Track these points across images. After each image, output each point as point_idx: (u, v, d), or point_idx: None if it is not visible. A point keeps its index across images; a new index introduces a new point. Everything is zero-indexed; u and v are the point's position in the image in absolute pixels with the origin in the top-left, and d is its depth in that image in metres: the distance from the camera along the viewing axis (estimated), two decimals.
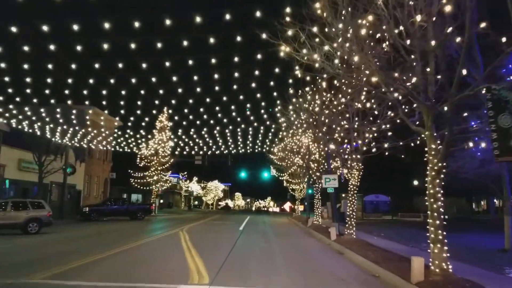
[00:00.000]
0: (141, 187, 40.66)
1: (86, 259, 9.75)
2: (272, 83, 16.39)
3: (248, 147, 37.50)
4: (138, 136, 40.59)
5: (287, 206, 67.47)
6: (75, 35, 12.39)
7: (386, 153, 14.48)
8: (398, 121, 12.22)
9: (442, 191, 7.98)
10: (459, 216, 38.55)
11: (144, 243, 14.32)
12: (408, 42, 7.83)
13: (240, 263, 10.03)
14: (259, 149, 36.81)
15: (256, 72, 14.67)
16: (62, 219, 27.03)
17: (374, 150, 15.27)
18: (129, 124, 39.31)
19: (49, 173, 28.05)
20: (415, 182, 52.50)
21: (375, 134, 14.60)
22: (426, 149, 8.19)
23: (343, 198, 40.19)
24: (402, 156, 15.28)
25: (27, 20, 12.48)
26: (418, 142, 11.94)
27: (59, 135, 29.19)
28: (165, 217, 38.08)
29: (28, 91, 18.57)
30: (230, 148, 37.57)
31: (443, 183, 8.06)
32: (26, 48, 13.08)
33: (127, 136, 40.48)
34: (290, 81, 15.30)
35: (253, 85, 16.04)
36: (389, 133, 14.01)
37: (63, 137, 32.17)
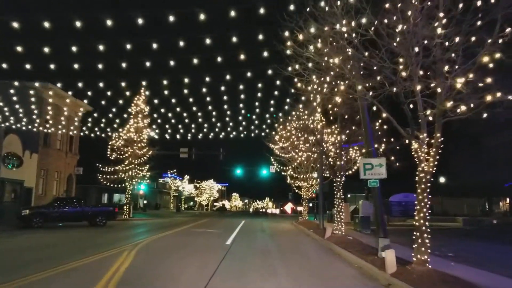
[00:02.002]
0: (112, 185, 33.23)
1: None
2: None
3: (243, 135, 30.42)
4: (110, 123, 33.53)
5: (288, 207, 60.07)
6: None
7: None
8: None
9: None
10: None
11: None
12: None
13: None
14: (257, 137, 29.79)
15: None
16: None
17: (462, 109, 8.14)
18: (100, 109, 32.55)
19: None
20: (442, 180, 45.34)
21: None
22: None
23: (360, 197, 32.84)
24: None
25: None
26: None
27: None
28: (140, 221, 30.70)
29: None
30: (221, 135, 30.36)
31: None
32: None
33: (97, 123, 33.46)
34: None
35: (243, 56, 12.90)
36: None
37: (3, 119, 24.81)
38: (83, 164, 37.63)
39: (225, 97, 24.52)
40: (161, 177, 68.68)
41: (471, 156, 40.75)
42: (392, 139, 16.27)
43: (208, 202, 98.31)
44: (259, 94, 18.06)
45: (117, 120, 33.32)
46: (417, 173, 9.28)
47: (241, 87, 19.39)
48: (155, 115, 33.74)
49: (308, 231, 21.18)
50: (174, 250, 12.31)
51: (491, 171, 39.20)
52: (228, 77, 15.95)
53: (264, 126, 26.66)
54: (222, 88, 19.61)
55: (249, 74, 14.89)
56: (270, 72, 13.61)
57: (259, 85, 16.46)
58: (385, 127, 15.64)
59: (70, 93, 32.64)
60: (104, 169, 32.26)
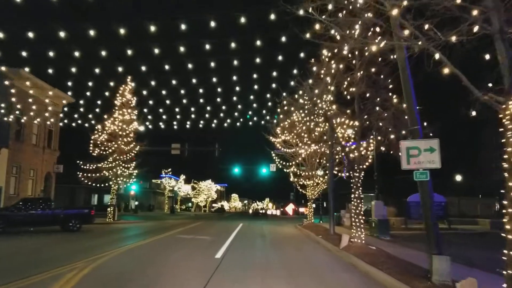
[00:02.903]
0: (100, 185, 29.77)
1: None
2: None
3: (240, 126, 27.27)
4: (95, 116, 30.21)
5: (290, 208, 56.57)
6: None
7: None
8: None
9: None
10: None
11: None
12: None
13: None
14: (256, 128, 26.67)
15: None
16: None
17: None
18: (83, 100, 29.38)
19: None
20: (458, 178, 41.92)
21: None
22: None
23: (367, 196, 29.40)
24: None
25: None
26: None
27: None
28: (124, 225, 27.29)
29: None
30: (216, 124, 27.18)
31: None
32: None
33: (81, 115, 30.15)
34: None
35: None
36: None
37: None
38: (66, 161, 34.21)
39: (218, 90, 21.53)
40: (156, 177, 65.20)
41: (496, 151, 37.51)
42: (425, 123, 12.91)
43: (206, 203, 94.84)
44: (258, 63, 14.71)
45: (102, 113, 30.09)
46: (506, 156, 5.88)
47: (235, 62, 16.07)
48: (145, 110, 30.70)
49: (317, 238, 17.75)
50: (137, 273, 8.86)
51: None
52: (223, 50, 12.95)
53: (264, 112, 23.39)
54: (212, 65, 16.40)
55: (244, 20, 11.54)
56: (273, 17, 10.16)
57: (258, 42, 13.09)
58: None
59: (43, 81, 29.50)
60: (85, 167, 28.80)
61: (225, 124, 28.77)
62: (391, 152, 13.40)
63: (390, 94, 12.93)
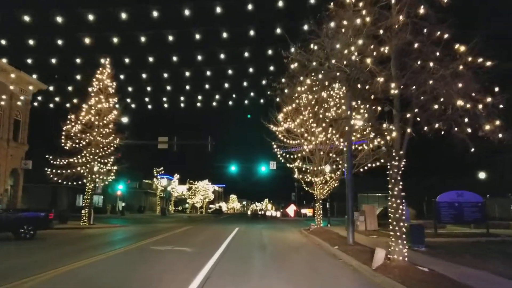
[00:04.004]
0: (67, 183, 25.63)
1: None
2: None
3: (235, 112, 23.25)
4: (70, 104, 26.33)
5: (291, 209, 52.43)
6: None
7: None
8: None
9: None
10: None
11: None
12: None
13: None
14: (254, 114, 22.82)
15: None
16: None
17: None
18: (55, 87, 25.81)
19: None
20: (482, 175, 37.85)
21: None
22: None
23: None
24: None
25: None
26: None
27: None
28: (99, 230, 23.19)
29: None
30: (207, 108, 23.14)
31: None
32: None
33: (55, 104, 26.31)
34: None
35: None
36: None
37: None
38: (40, 157, 30.07)
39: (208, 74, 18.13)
40: (148, 177, 60.92)
41: None
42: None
43: (202, 204, 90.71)
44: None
45: (78, 101, 26.07)
46: None
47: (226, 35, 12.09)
48: (128, 100, 26.84)
49: (332, 249, 13.63)
50: None
51: None
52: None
53: (264, 93, 19.47)
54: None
55: None
56: None
57: None
58: None
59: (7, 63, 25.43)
60: (55, 162, 24.65)
61: (218, 105, 25.02)
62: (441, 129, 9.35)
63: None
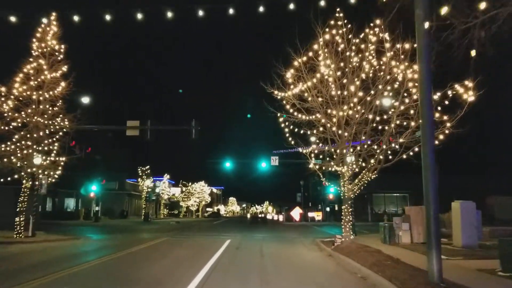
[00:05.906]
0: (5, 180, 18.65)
1: None
2: None
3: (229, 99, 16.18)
4: None
5: (296, 212, 45.34)
6: None
7: None
8: None
9: None
10: None
11: None
12: None
13: None
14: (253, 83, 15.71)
15: None
16: None
17: None
18: None
19: None
20: None
21: None
22: None
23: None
24: None
25: None
26: None
27: None
28: (39, 244, 16.27)
29: None
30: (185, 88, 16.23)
31: None
32: None
33: None
34: None
35: None
36: None
37: None
38: None
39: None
40: (133, 176, 53.88)
41: None
42: None
43: (198, 207, 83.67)
44: None
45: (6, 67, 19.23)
46: None
47: None
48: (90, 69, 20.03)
49: None
50: None
51: None
52: None
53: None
54: None
55: None
56: None
57: None
58: None
59: None
60: None
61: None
62: None
63: None
